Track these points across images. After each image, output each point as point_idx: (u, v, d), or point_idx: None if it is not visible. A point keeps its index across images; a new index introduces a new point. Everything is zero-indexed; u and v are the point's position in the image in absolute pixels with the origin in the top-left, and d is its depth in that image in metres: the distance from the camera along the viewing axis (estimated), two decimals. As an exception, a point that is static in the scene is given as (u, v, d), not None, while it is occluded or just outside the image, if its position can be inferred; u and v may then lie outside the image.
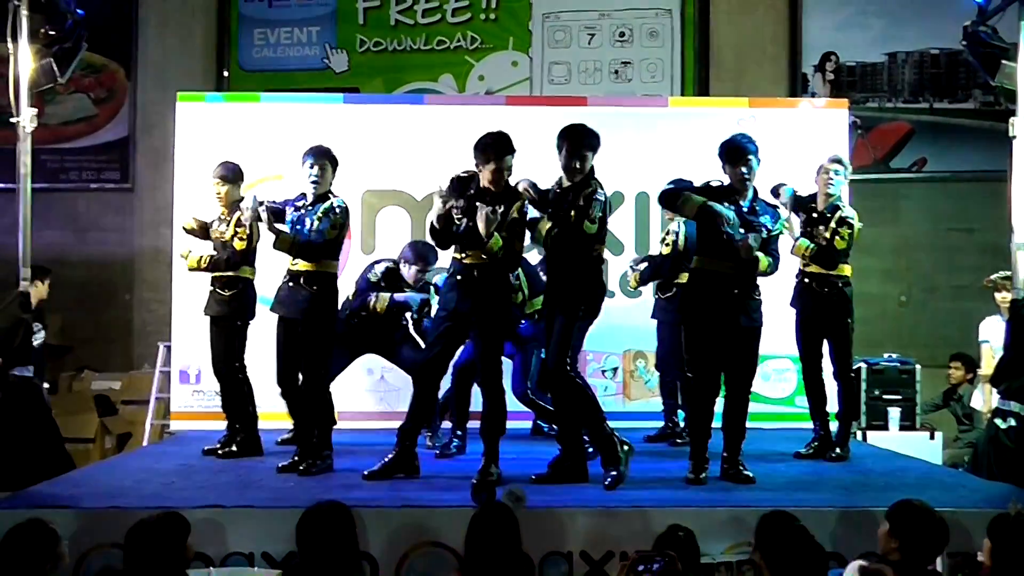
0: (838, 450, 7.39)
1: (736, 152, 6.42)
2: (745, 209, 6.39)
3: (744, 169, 6.39)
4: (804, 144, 8.73)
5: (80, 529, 5.21)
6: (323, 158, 6.84)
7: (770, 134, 8.60)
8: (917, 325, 11.55)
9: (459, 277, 6.36)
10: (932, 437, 9.37)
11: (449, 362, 6.78)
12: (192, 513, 4.80)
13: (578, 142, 6.30)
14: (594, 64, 11.97)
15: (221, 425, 7.67)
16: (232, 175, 7.50)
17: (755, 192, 6.50)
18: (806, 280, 7.40)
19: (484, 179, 6.32)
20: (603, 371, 9.01)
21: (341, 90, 11.13)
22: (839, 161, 7.41)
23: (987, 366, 8.89)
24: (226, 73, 12.05)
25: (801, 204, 7.40)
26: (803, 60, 11.88)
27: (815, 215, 7.34)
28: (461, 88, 11.92)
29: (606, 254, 6.61)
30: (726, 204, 6.34)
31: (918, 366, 9.61)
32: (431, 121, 9.10)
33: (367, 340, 7.78)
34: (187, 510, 4.80)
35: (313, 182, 6.80)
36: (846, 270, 7.36)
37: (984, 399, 9.16)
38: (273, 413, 7.69)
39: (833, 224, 7.25)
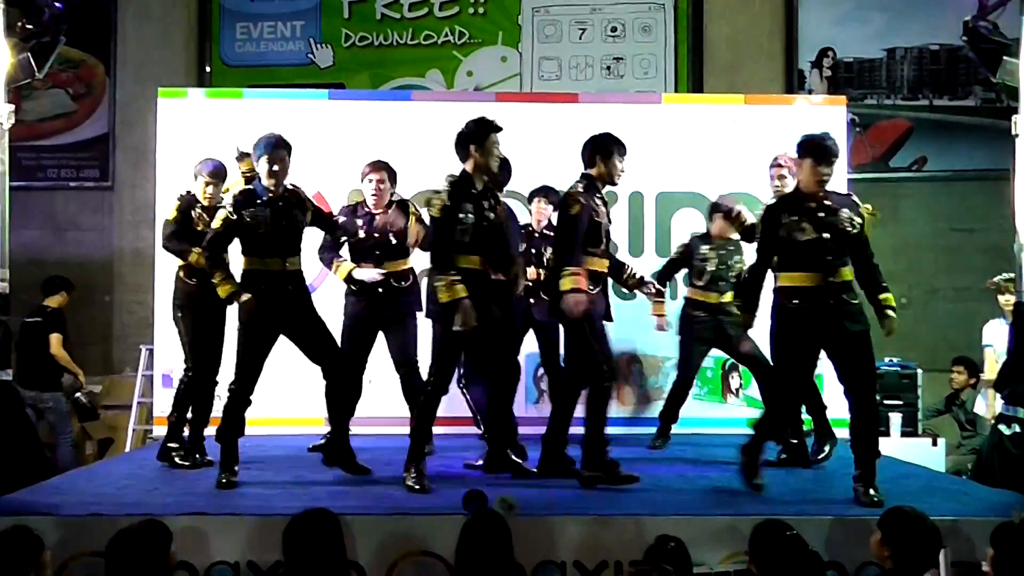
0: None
1: (823, 151, 5.99)
2: (821, 215, 6.02)
3: (826, 170, 6.00)
4: (801, 142, 8.59)
5: (60, 537, 5.13)
6: (282, 149, 6.40)
7: (765, 132, 8.70)
8: (918, 328, 11.41)
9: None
10: (935, 443, 9.34)
11: None
12: (175, 521, 4.80)
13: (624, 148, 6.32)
14: (585, 60, 11.95)
15: (209, 431, 7.39)
16: (225, 173, 7.30)
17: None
18: None
19: (478, 167, 6.13)
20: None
21: (326, 86, 11.03)
22: (776, 164, 7.25)
23: (990, 370, 8.88)
24: (208, 68, 11.99)
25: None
26: (800, 56, 11.84)
27: None
28: (449, 84, 11.88)
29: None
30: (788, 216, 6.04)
31: (919, 370, 9.57)
32: (418, 118, 8.96)
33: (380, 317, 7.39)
34: (170, 518, 4.78)
35: (281, 176, 6.37)
36: None
37: (987, 404, 9.18)
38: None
39: None
